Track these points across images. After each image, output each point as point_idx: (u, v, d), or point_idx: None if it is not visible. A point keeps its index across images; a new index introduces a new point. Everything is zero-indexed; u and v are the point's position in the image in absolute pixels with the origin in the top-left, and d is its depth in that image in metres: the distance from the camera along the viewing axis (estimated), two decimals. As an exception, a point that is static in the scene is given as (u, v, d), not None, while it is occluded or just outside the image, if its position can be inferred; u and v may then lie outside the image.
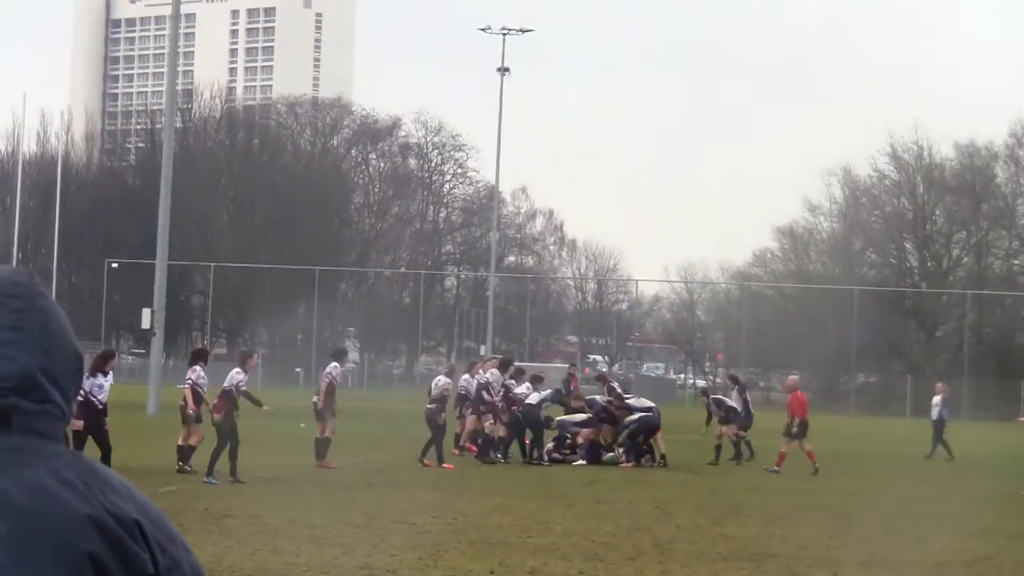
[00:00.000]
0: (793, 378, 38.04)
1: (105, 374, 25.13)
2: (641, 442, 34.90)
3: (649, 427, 35.02)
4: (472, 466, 32.71)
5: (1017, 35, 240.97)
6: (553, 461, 34.56)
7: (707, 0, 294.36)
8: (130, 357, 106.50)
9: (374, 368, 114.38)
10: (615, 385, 38.59)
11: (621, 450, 35.07)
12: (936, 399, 44.60)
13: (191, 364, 28.34)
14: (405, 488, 26.16)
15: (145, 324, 55.21)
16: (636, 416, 35.03)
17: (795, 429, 34.45)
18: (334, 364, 31.89)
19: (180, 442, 27.83)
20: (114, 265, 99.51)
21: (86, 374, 24.96)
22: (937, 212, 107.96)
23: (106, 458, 23.98)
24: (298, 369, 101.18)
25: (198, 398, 27.39)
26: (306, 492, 24.70)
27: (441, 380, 33.43)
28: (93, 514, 2.31)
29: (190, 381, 27.76)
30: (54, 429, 2.39)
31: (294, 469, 29.18)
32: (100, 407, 24.67)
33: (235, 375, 26.94)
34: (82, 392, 24.69)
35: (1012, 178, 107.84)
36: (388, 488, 26.10)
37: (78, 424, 24.06)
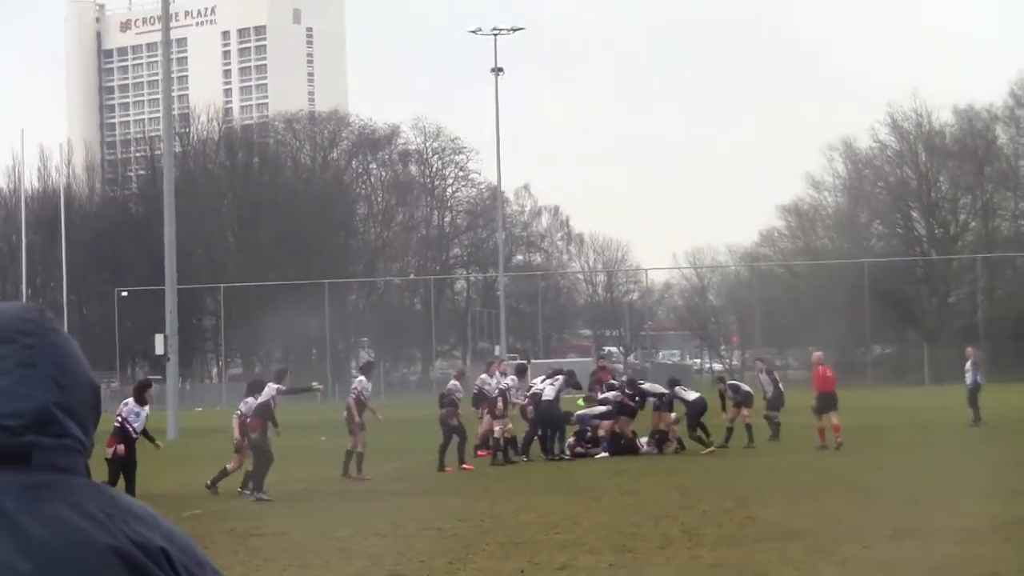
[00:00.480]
0: (817, 354, 38.44)
1: (144, 403, 25.19)
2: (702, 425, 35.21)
3: (701, 409, 35.27)
4: (494, 467, 32.69)
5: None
6: (575, 455, 34.55)
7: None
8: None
9: (390, 376, 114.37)
10: (613, 381, 38.41)
11: (645, 439, 35.11)
12: (968, 364, 44.27)
13: (247, 395, 28.10)
14: (429, 494, 26.15)
15: (159, 350, 55.28)
16: (691, 398, 35.41)
17: (815, 403, 34.80)
18: (360, 378, 32.04)
19: (229, 467, 27.92)
20: (124, 294, 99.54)
21: (127, 403, 25.10)
22: (941, 178, 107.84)
23: (130, 486, 24.04)
24: (317, 384, 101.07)
25: (244, 429, 27.36)
26: (330, 505, 24.70)
27: (450, 383, 33.41)
28: (117, 545, 2.29)
29: (239, 412, 27.84)
30: (74, 463, 2.37)
31: (317, 483, 29.19)
32: (134, 436, 24.76)
33: (271, 389, 26.91)
34: (119, 418, 24.80)
35: (1014, 139, 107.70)
36: (412, 495, 26.09)
37: (120, 449, 24.23)
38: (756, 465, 30.45)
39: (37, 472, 2.33)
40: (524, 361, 41.85)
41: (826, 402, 34.92)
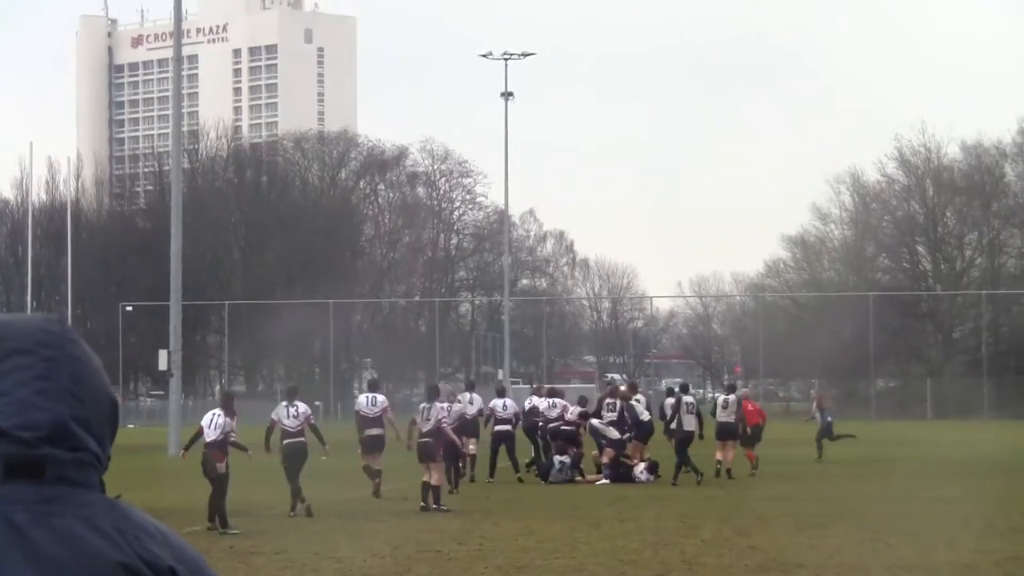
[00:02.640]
0: (744, 391, 41.86)
1: (233, 415, 25.12)
2: None
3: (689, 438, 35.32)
4: (495, 490, 32.68)
5: (1021, 31, 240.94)
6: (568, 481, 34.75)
7: (708, 12, 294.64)
8: (148, 399, 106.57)
9: (393, 398, 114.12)
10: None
11: (643, 465, 35.04)
12: (814, 407, 46.70)
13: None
14: (430, 516, 26.11)
15: (162, 365, 55.29)
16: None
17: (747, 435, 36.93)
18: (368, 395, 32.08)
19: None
20: (128, 308, 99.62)
21: (218, 415, 24.92)
22: (948, 214, 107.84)
23: (220, 498, 24.01)
24: (318, 403, 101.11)
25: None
26: (330, 525, 24.64)
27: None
28: (126, 562, 2.29)
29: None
30: (88, 477, 2.38)
31: (317, 502, 29.14)
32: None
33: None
34: (220, 434, 24.62)
35: (1021, 176, 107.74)
36: (413, 517, 26.05)
37: (221, 464, 24.16)
38: (758, 495, 30.39)
39: (51, 486, 2.33)
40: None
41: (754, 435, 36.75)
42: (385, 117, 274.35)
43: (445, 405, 30.38)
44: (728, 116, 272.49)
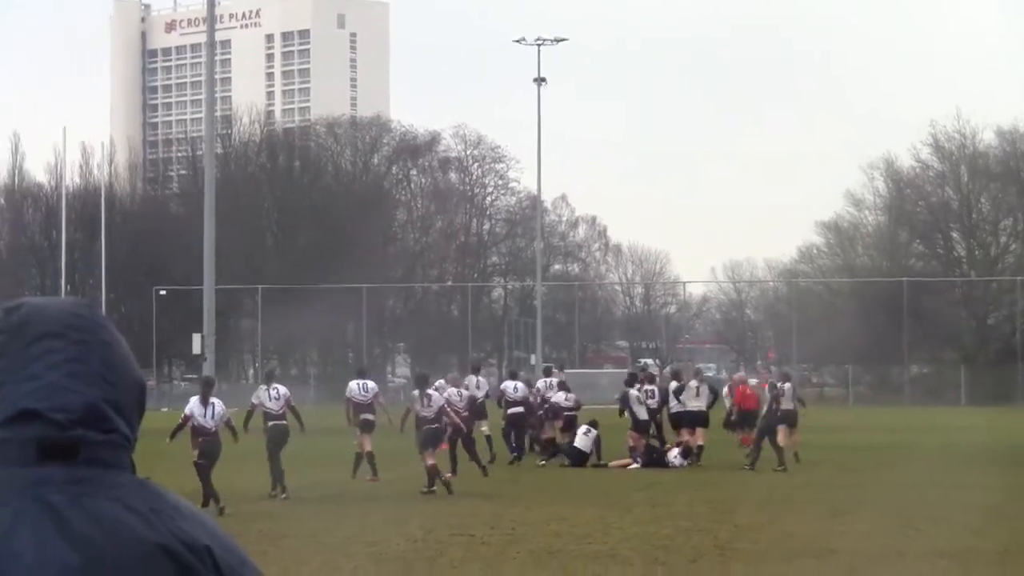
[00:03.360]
0: (739, 375, 42.82)
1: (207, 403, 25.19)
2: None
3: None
4: (526, 473, 32.71)
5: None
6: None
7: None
8: (182, 383, 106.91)
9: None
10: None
11: (677, 450, 34.98)
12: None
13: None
14: (462, 499, 26.13)
15: (196, 349, 55.50)
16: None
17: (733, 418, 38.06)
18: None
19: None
20: (162, 292, 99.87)
21: (216, 404, 25.08)
22: (982, 200, 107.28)
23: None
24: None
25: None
26: (363, 509, 24.68)
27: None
28: (162, 542, 2.31)
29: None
30: (120, 458, 2.40)
31: (350, 485, 29.22)
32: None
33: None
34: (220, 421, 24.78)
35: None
36: (444, 500, 26.07)
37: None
38: (792, 481, 30.32)
39: (84, 467, 2.35)
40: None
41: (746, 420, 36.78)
42: (417, 103, 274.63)
43: (454, 390, 31.72)
44: (761, 102, 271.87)
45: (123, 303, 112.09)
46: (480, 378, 38.28)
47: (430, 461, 27.32)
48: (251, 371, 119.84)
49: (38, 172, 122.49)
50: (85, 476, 2.34)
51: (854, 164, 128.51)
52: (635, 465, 34.48)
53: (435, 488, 26.96)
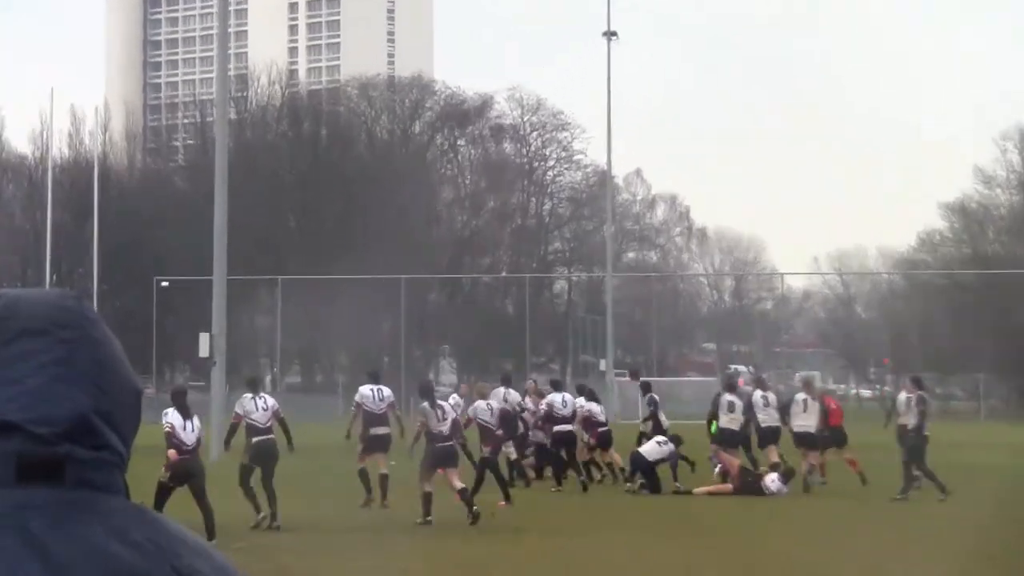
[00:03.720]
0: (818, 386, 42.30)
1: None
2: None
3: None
4: (549, 498, 32.93)
5: None
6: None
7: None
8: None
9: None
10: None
11: (775, 474, 34.87)
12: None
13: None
14: (508, 533, 26.10)
15: (203, 352, 55.61)
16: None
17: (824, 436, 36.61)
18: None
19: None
20: (164, 284, 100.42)
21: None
22: None
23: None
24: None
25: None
26: (394, 541, 24.74)
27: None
28: None
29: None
30: (111, 479, 2.39)
31: (378, 514, 29.29)
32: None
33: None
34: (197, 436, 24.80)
35: None
36: (489, 531, 26.06)
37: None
38: (836, 508, 30.20)
39: (71, 489, 2.34)
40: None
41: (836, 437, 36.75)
42: (466, 60, 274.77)
43: (483, 404, 31.98)
44: (876, 64, 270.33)
45: (118, 296, 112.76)
46: (510, 391, 37.91)
47: (426, 487, 27.16)
48: (268, 378, 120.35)
49: (20, 142, 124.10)
50: (72, 499, 2.32)
51: (985, 136, 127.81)
52: (727, 488, 34.39)
53: (431, 518, 26.88)
